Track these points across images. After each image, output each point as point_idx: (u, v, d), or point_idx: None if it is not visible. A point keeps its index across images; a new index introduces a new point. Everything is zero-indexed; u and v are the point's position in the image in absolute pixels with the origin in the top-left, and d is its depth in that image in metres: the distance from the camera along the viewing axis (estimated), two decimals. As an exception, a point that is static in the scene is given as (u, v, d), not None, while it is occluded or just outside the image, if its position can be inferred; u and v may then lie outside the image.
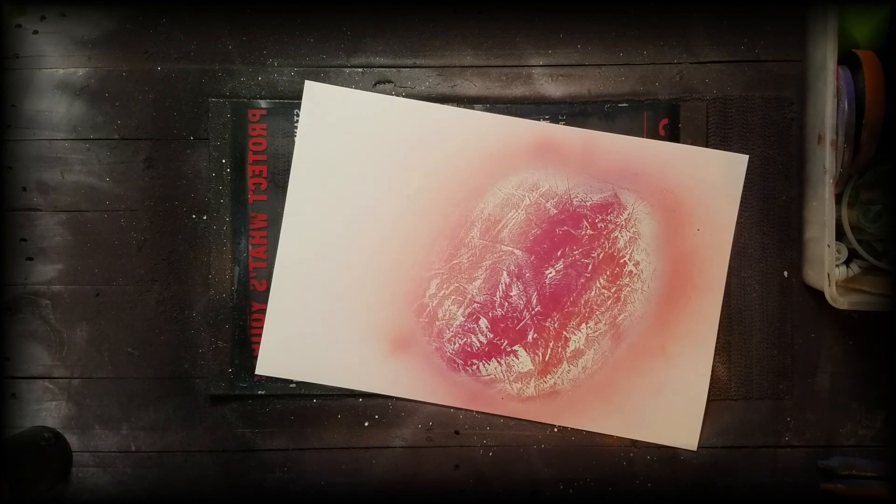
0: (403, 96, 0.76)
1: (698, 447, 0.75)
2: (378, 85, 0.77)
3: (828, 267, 0.66)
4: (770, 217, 0.76)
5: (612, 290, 0.74)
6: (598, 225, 0.74)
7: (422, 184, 0.75)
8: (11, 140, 0.77)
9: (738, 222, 0.75)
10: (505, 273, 0.75)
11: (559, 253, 0.75)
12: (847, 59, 0.68)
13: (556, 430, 0.76)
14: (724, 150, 0.75)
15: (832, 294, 0.65)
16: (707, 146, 0.75)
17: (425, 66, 0.77)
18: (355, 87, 0.76)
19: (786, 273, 0.76)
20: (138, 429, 0.77)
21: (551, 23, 0.76)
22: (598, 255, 0.74)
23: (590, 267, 0.74)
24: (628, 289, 0.74)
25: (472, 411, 0.76)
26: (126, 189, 0.77)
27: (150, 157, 0.77)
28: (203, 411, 0.77)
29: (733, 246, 0.76)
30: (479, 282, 0.75)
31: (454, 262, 0.75)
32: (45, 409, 0.77)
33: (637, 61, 0.76)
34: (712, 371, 0.76)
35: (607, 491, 0.76)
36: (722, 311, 0.76)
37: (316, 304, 0.75)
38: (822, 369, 0.76)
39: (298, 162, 0.76)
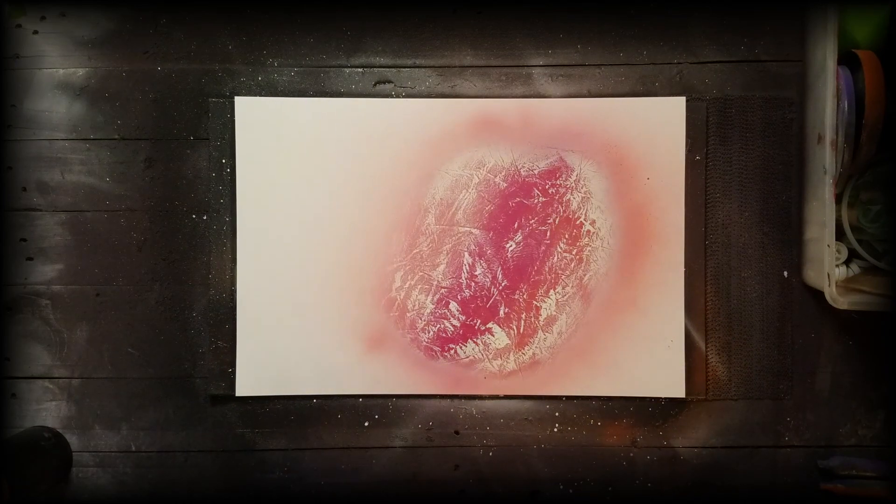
0: (403, 96, 0.76)
1: (699, 446, 0.76)
2: (378, 85, 0.77)
3: (828, 267, 0.65)
4: (770, 217, 0.76)
5: (574, 253, 0.75)
6: (549, 191, 0.75)
7: (369, 180, 0.76)
8: (11, 140, 0.77)
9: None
10: (466, 254, 0.75)
11: (516, 225, 0.75)
12: (847, 59, 0.68)
13: (556, 429, 0.76)
14: (724, 150, 0.75)
15: (832, 294, 0.65)
16: (707, 146, 0.75)
17: (425, 66, 0.77)
18: (355, 87, 0.76)
19: (786, 273, 0.76)
20: (138, 429, 0.77)
21: (551, 23, 0.76)
22: (554, 220, 0.75)
23: (548, 233, 0.75)
24: (589, 248, 0.75)
25: (471, 410, 0.76)
26: (126, 189, 0.77)
27: (150, 157, 0.77)
28: (203, 411, 0.77)
29: (733, 245, 0.76)
30: (442, 267, 0.76)
31: (414, 251, 0.75)
32: (45, 409, 0.77)
33: (637, 61, 0.76)
34: (712, 371, 0.76)
35: (607, 491, 0.76)
36: (722, 310, 0.76)
37: (285, 318, 0.76)
38: (822, 369, 0.76)
39: (242, 179, 0.76)
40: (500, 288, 0.75)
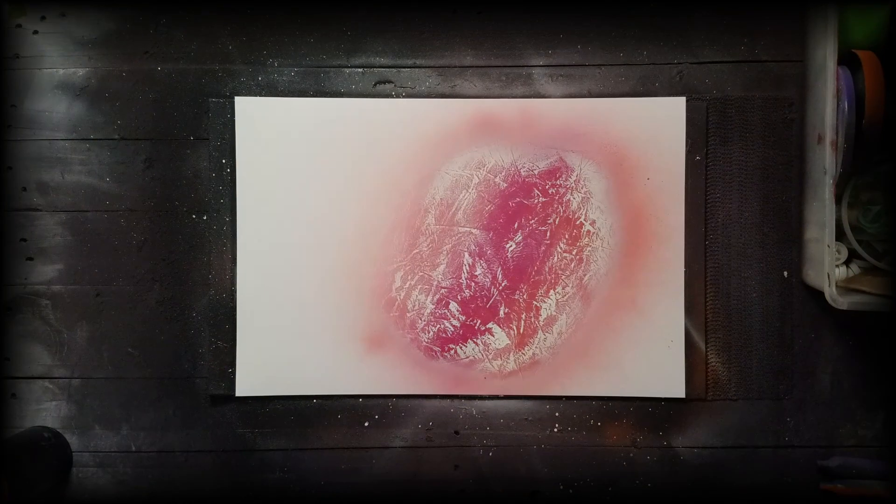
0: (403, 96, 0.76)
1: (699, 447, 0.76)
2: (378, 85, 0.77)
3: (828, 267, 0.65)
4: (770, 217, 0.76)
5: (574, 253, 0.75)
6: (549, 191, 0.75)
7: (369, 180, 0.76)
8: (11, 140, 0.77)
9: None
10: (466, 254, 0.75)
11: (516, 225, 0.75)
12: (847, 59, 0.68)
13: (556, 429, 0.76)
14: (724, 150, 0.75)
15: (832, 294, 0.65)
16: (707, 146, 0.75)
17: (425, 66, 0.77)
18: (355, 87, 0.76)
19: (786, 273, 0.76)
20: (138, 429, 0.77)
21: (551, 23, 0.76)
22: (555, 220, 0.75)
23: (548, 234, 0.75)
24: (589, 248, 0.75)
25: (471, 410, 0.76)
26: (126, 189, 0.77)
27: (150, 157, 0.77)
28: (203, 411, 0.77)
29: (733, 245, 0.76)
30: (442, 267, 0.76)
31: (414, 251, 0.75)
32: (45, 409, 0.77)
33: (637, 61, 0.76)
34: (712, 371, 0.76)
35: (607, 491, 0.76)
36: (722, 310, 0.76)
37: (285, 317, 0.76)
38: (822, 369, 0.76)
39: (242, 179, 0.75)
40: (500, 288, 0.75)
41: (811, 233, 0.72)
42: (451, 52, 0.77)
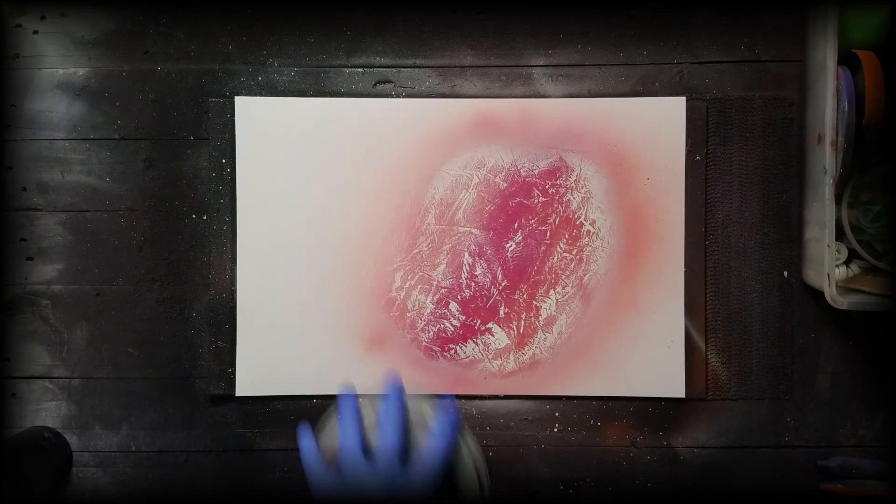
0: (403, 96, 0.76)
1: (699, 447, 0.76)
2: (378, 85, 0.77)
3: (828, 267, 0.65)
4: (770, 217, 0.76)
5: (574, 253, 0.75)
6: (549, 191, 0.75)
7: (369, 179, 0.75)
8: (11, 140, 0.77)
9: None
10: (466, 254, 0.75)
11: (516, 225, 0.75)
12: (847, 59, 0.68)
13: (556, 429, 0.76)
14: (724, 150, 0.75)
15: (832, 294, 0.65)
16: (707, 146, 0.75)
17: (425, 66, 0.77)
18: (355, 87, 0.76)
19: (786, 273, 0.76)
20: (138, 429, 0.77)
21: (551, 23, 0.76)
22: (554, 220, 0.75)
23: (548, 233, 0.75)
24: (589, 248, 0.75)
25: (471, 410, 0.76)
26: (126, 189, 0.77)
27: (150, 157, 0.77)
28: (203, 411, 0.77)
29: (733, 245, 0.76)
30: (442, 267, 0.76)
31: (414, 251, 0.75)
32: (45, 409, 0.77)
33: (637, 61, 0.76)
34: (712, 371, 0.76)
35: (607, 491, 0.76)
36: (721, 310, 0.76)
37: (285, 317, 0.75)
38: (822, 369, 0.76)
39: (242, 179, 0.75)
40: (500, 288, 0.75)
41: (811, 233, 0.72)
42: (451, 52, 0.77)
